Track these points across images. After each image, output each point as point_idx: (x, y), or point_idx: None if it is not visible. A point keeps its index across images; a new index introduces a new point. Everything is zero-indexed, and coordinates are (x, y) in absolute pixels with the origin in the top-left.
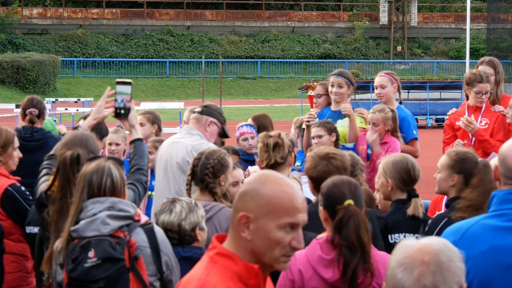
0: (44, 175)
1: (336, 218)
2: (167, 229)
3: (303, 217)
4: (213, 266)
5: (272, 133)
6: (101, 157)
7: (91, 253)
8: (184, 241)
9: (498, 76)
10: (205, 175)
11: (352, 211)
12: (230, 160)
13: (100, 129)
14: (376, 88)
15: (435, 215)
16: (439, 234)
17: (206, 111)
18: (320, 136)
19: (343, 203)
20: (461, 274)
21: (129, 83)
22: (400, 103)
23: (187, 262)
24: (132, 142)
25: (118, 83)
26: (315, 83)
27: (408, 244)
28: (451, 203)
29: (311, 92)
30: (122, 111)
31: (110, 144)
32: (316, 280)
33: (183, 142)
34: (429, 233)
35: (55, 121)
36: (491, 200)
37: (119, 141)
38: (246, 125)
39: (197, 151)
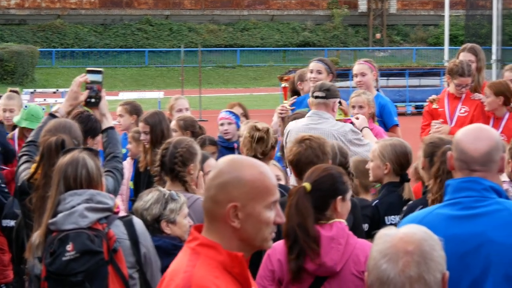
0: (24, 162)
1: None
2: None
3: (278, 192)
4: (197, 258)
5: (260, 126)
6: (77, 148)
7: (69, 246)
8: (149, 231)
9: (479, 63)
10: (174, 164)
11: (294, 191)
12: (198, 147)
13: (94, 128)
14: (356, 76)
15: (411, 202)
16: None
17: (330, 94)
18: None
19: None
20: (442, 262)
21: (100, 72)
22: (378, 90)
23: (157, 251)
24: (104, 130)
25: (89, 71)
26: (289, 75)
27: (389, 234)
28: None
29: (285, 84)
30: (93, 100)
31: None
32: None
33: (323, 128)
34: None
35: (43, 109)
36: (445, 189)
37: (188, 106)
38: (226, 111)
39: (344, 136)
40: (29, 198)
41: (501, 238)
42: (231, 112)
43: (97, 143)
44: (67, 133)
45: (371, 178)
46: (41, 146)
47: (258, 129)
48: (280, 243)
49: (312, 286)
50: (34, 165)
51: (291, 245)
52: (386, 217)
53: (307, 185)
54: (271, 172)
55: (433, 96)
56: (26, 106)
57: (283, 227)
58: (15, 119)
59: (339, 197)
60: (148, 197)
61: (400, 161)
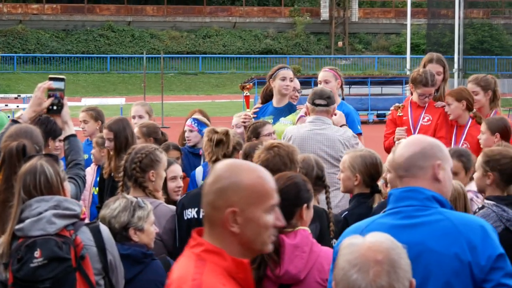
0: None
1: None
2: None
3: (277, 196)
4: (203, 264)
5: (219, 129)
6: (36, 155)
7: (37, 253)
8: (117, 239)
9: (446, 74)
10: (133, 169)
11: None
12: (163, 156)
13: (54, 130)
14: (320, 83)
15: (380, 202)
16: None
17: (331, 101)
18: (291, 80)
19: None
20: (409, 270)
21: (62, 79)
22: (343, 99)
23: (126, 260)
24: (66, 138)
25: (51, 79)
26: (250, 83)
27: (356, 243)
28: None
29: (246, 93)
30: (55, 107)
31: (133, 117)
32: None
33: (328, 133)
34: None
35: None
36: (388, 198)
37: (142, 113)
38: (192, 118)
39: (348, 141)
40: None
41: (440, 248)
42: (194, 120)
43: (60, 148)
44: (28, 138)
45: (341, 189)
46: (2, 151)
47: (216, 132)
48: None
49: None
50: None
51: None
52: None
53: None
54: (270, 176)
55: (397, 104)
56: None
57: None
58: None
59: (305, 205)
60: (116, 204)
61: (370, 172)
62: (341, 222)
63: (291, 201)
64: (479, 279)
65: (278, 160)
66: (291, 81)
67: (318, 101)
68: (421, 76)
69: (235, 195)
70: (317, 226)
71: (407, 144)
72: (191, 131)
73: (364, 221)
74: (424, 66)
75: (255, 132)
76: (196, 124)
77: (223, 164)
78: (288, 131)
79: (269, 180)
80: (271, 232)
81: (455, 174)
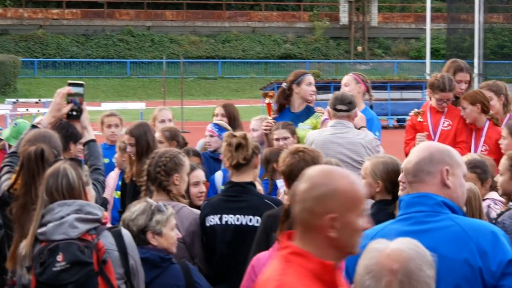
0: (5, 173)
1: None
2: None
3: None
4: (288, 266)
5: (237, 133)
6: (61, 159)
7: (59, 257)
8: (135, 242)
9: (471, 81)
10: (157, 173)
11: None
12: (186, 160)
13: (75, 133)
14: (341, 88)
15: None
16: None
17: (352, 106)
18: (285, 138)
19: None
20: (430, 282)
21: (81, 85)
22: (371, 107)
23: (144, 263)
24: (85, 143)
25: (70, 84)
26: (272, 91)
27: (378, 248)
28: None
29: (269, 100)
30: (74, 113)
31: (163, 120)
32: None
33: (350, 137)
34: None
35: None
36: (399, 205)
37: (171, 117)
38: (212, 123)
39: (370, 144)
40: (10, 208)
41: (451, 254)
42: (215, 125)
43: (81, 151)
44: (46, 142)
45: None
46: (21, 156)
47: (234, 136)
48: (265, 254)
49: None
50: (14, 176)
51: None
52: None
53: None
54: (360, 181)
55: (417, 110)
56: (16, 124)
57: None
58: (4, 133)
59: None
60: (135, 208)
61: (391, 178)
62: None
63: None
64: (490, 285)
65: (303, 165)
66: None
67: (339, 107)
68: (438, 81)
69: (333, 202)
70: None
71: (416, 150)
72: (211, 136)
73: (375, 228)
74: (454, 74)
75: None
76: (216, 129)
77: (317, 171)
78: (310, 135)
79: (360, 184)
80: (361, 234)
81: None
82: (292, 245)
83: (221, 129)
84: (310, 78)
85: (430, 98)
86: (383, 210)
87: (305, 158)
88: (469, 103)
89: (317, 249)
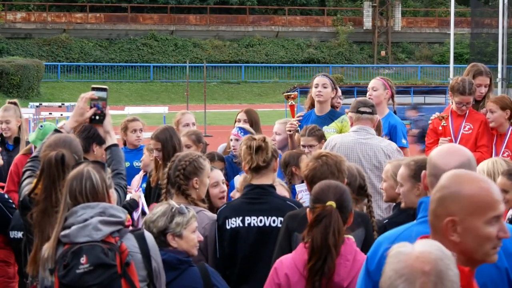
0: (27, 177)
1: (311, 217)
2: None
3: (503, 207)
4: None
5: (256, 136)
6: (84, 162)
7: (83, 259)
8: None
9: (491, 85)
10: (176, 176)
11: (327, 211)
12: (206, 163)
13: (98, 135)
14: (368, 90)
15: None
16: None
17: (374, 109)
18: (311, 146)
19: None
20: (457, 280)
21: (105, 89)
22: (394, 112)
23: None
24: (108, 148)
25: (94, 89)
26: (295, 92)
27: (404, 252)
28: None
29: (291, 102)
30: (97, 117)
31: (187, 124)
32: (302, 284)
33: (373, 143)
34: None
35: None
36: (418, 207)
37: (194, 121)
38: (238, 127)
39: (392, 154)
40: (30, 213)
41: None
42: (240, 129)
43: (99, 152)
44: (67, 148)
45: (384, 199)
46: (41, 161)
47: (253, 139)
48: (288, 257)
49: None
50: (35, 180)
51: (320, 264)
52: None
53: (332, 203)
54: (494, 187)
55: (439, 114)
56: (41, 126)
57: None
58: (31, 137)
59: (352, 211)
60: (157, 210)
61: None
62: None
63: (347, 208)
64: None
65: (326, 169)
66: (325, 87)
67: (363, 109)
68: (459, 84)
69: (454, 205)
70: (363, 230)
71: (451, 153)
72: (237, 140)
73: (397, 229)
74: (474, 78)
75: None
76: (242, 133)
77: (449, 173)
78: (333, 139)
79: (493, 191)
80: (494, 243)
81: (505, 192)
82: None
83: (246, 132)
84: (317, 79)
85: (452, 102)
86: (404, 212)
87: (328, 163)
88: (499, 107)
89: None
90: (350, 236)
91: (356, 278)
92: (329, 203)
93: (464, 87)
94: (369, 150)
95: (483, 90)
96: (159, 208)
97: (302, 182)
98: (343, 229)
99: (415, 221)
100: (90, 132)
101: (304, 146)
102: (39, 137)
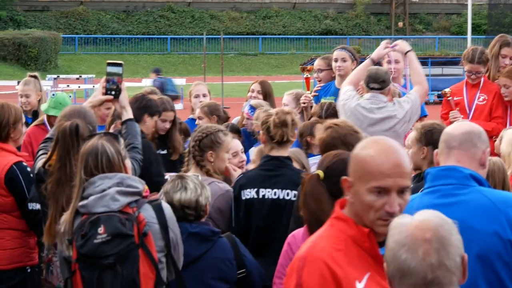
0: (41, 154)
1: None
2: (183, 206)
3: (395, 182)
4: (329, 229)
5: (286, 109)
6: (98, 134)
7: (100, 229)
8: (199, 217)
9: None
10: (192, 147)
11: (307, 179)
12: (226, 138)
13: (149, 106)
14: (337, 61)
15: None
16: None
17: (385, 84)
18: (344, 60)
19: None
20: (460, 245)
21: (120, 64)
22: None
23: (195, 238)
24: (124, 122)
25: (109, 64)
26: (311, 65)
27: (404, 223)
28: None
29: (307, 74)
30: (113, 92)
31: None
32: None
33: (388, 112)
34: None
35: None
36: (425, 177)
37: (206, 92)
38: (250, 106)
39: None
40: (45, 185)
41: (480, 225)
42: (251, 108)
43: (151, 123)
44: (81, 118)
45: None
46: (56, 130)
47: (287, 113)
48: (300, 231)
49: None
50: (49, 151)
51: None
52: None
53: (320, 172)
54: (394, 161)
55: (445, 90)
56: (53, 94)
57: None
58: (43, 107)
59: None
60: (191, 184)
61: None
62: None
63: (337, 178)
64: None
65: (336, 139)
66: (344, 61)
67: (372, 85)
68: (469, 52)
69: (351, 166)
70: None
71: (463, 123)
72: (248, 119)
73: None
74: (500, 48)
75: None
76: (252, 113)
77: (370, 137)
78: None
79: (383, 162)
80: (380, 214)
81: None
82: (338, 210)
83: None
84: (336, 53)
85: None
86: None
87: (337, 133)
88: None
89: (351, 214)
90: None
91: None
92: (316, 171)
93: (473, 55)
94: (382, 118)
95: (508, 61)
96: (190, 183)
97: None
98: (325, 196)
99: (418, 193)
100: (142, 103)
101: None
102: (51, 105)
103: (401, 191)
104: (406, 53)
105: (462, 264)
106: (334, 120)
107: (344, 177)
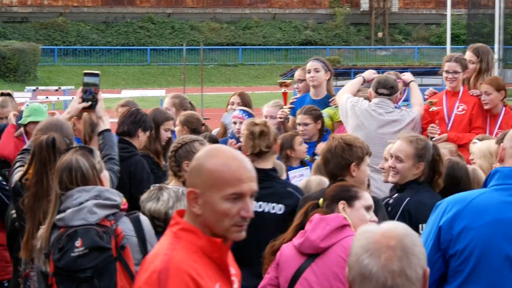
0: (18, 167)
1: None
2: (153, 217)
3: (249, 187)
4: (178, 241)
5: (258, 120)
6: (72, 148)
7: (78, 242)
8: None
9: (482, 64)
10: (169, 158)
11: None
12: (202, 148)
13: (144, 120)
14: (310, 72)
15: (396, 195)
16: (402, 213)
17: (393, 91)
18: (306, 124)
19: None
20: (424, 258)
21: (97, 74)
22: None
23: None
24: (100, 133)
25: (86, 74)
26: (289, 80)
27: (371, 230)
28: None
29: (285, 89)
30: (90, 103)
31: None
32: (289, 249)
33: (391, 116)
34: (393, 211)
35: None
36: (492, 175)
37: (169, 106)
38: (240, 109)
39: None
40: (22, 199)
41: None
42: (244, 111)
43: (144, 138)
44: (58, 131)
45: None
46: (32, 144)
47: (256, 124)
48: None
49: (303, 265)
50: (26, 165)
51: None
52: None
53: (320, 202)
54: (245, 167)
55: (430, 100)
56: (27, 105)
57: None
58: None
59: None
60: (165, 196)
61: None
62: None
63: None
64: None
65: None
66: (317, 71)
67: (381, 91)
68: (447, 55)
69: (198, 177)
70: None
71: None
72: (241, 122)
73: (470, 193)
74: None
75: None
76: (246, 116)
77: (208, 147)
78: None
79: (236, 169)
80: (235, 220)
81: None
82: (182, 221)
83: (249, 114)
84: (309, 64)
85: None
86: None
87: (338, 148)
88: (494, 89)
89: (198, 225)
90: (342, 215)
91: (338, 245)
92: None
93: (450, 55)
94: (389, 122)
95: (470, 66)
96: (164, 194)
97: (300, 164)
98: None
99: (487, 188)
100: (137, 117)
101: (299, 124)
102: (26, 114)
103: (251, 196)
104: (408, 83)
105: (424, 277)
106: (336, 134)
107: (189, 189)
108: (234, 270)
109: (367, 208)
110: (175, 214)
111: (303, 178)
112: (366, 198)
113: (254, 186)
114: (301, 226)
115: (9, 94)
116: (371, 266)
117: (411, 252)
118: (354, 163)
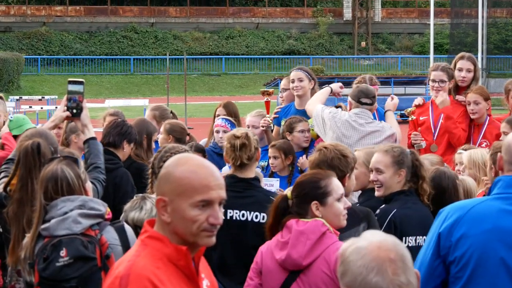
0: (2, 177)
1: None
2: (136, 226)
3: (218, 194)
4: (144, 249)
5: (239, 133)
6: (56, 158)
7: (62, 252)
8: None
9: (477, 73)
10: (158, 168)
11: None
12: None
13: (129, 132)
14: (294, 82)
15: (382, 206)
16: (389, 224)
17: (375, 99)
18: (301, 80)
19: None
20: (412, 261)
21: (81, 82)
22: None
23: None
24: (86, 141)
25: (70, 82)
26: (271, 89)
27: (363, 246)
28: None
29: (267, 98)
30: (74, 111)
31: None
32: (271, 260)
33: (371, 127)
34: (379, 221)
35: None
36: (495, 184)
37: (150, 118)
38: (222, 118)
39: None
40: (6, 210)
41: None
42: (227, 120)
43: (128, 150)
44: (43, 138)
45: (355, 187)
46: (17, 151)
47: (237, 137)
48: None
49: (287, 280)
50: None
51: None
52: None
53: (289, 194)
54: (214, 174)
55: (408, 109)
56: (11, 117)
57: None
58: (4, 129)
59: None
60: (148, 205)
61: None
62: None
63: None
64: None
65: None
66: (301, 81)
67: (364, 100)
68: (433, 64)
69: (166, 185)
70: (365, 226)
71: None
72: (224, 131)
73: (471, 200)
74: (455, 64)
75: (289, 127)
76: (229, 125)
77: (176, 156)
78: (336, 115)
79: (204, 177)
80: (204, 227)
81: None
82: (150, 229)
83: (232, 123)
84: (292, 74)
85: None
86: (373, 198)
87: (326, 156)
88: (483, 99)
89: (167, 233)
90: (320, 219)
91: (320, 260)
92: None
93: (437, 65)
94: (369, 133)
95: (464, 73)
96: (148, 203)
97: (301, 150)
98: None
99: (489, 196)
100: (123, 129)
101: (303, 131)
102: (11, 127)
103: (220, 203)
104: (386, 111)
105: (418, 280)
106: (325, 143)
107: (158, 197)
108: (208, 281)
109: (339, 199)
110: (145, 223)
111: (273, 189)
112: (336, 190)
113: (222, 193)
114: (276, 228)
115: (1, 98)
116: (381, 283)
117: (407, 260)
118: (348, 174)
